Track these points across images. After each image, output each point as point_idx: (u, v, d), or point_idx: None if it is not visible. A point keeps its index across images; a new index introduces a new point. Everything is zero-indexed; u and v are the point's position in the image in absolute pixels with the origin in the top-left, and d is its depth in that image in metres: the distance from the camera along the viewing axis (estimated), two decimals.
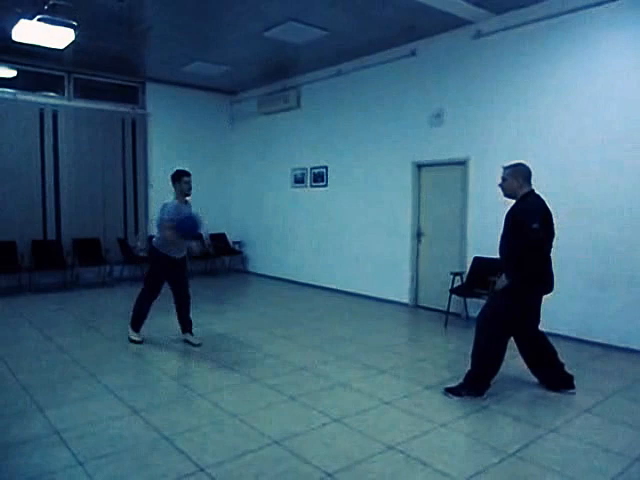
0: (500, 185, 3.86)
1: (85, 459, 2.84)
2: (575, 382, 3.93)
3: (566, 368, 3.95)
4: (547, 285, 3.74)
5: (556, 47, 5.46)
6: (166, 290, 5.17)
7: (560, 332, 5.38)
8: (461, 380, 3.84)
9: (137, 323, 5.17)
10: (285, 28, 6.32)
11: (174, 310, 5.27)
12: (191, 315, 5.27)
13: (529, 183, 3.76)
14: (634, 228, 4.92)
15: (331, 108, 8.23)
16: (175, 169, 5.00)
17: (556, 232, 3.78)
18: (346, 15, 5.93)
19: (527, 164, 3.83)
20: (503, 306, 3.69)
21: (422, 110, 6.81)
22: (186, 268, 5.26)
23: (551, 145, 5.53)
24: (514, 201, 3.78)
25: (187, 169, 4.98)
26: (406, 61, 6.99)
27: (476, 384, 3.77)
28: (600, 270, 5.16)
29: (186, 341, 5.18)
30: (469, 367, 3.82)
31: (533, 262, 3.58)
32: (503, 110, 5.94)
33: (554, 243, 3.74)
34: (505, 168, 3.85)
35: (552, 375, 3.94)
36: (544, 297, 3.83)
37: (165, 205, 4.87)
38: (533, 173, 5.58)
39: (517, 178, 3.74)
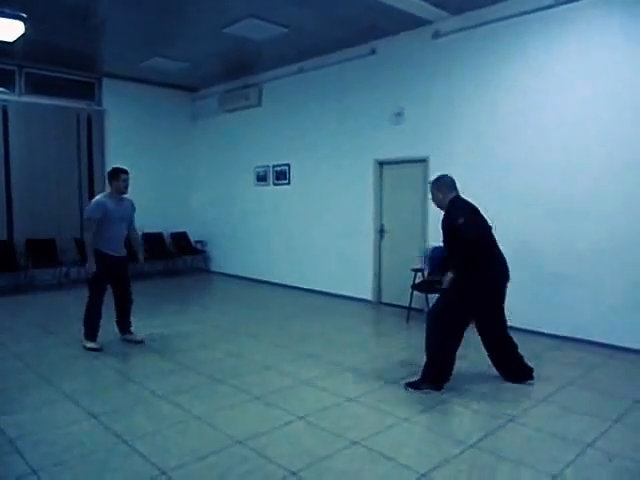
0: (432, 200, 4.11)
1: (40, 467, 2.74)
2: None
3: (525, 360, 4.08)
4: (495, 275, 3.86)
5: (514, 46, 5.60)
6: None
7: (516, 325, 5.55)
8: (419, 375, 3.92)
9: (91, 333, 4.90)
10: (245, 24, 6.25)
11: (132, 312, 5.15)
12: (132, 318, 5.19)
13: (452, 190, 3.97)
14: (592, 227, 5.08)
15: (293, 106, 8.21)
16: (112, 167, 5.07)
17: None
18: (307, 12, 5.92)
19: (448, 174, 4.07)
20: (450, 302, 3.83)
21: (383, 108, 6.87)
22: (127, 269, 5.14)
23: (511, 143, 5.67)
24: None
25: (125, 167, 4.98)
26: (367, 59, 7.04)
27: (433, 378, 3.85)
28: (557, 265, 5.34)
29: (128, 341, 5.09)
30: (424, 362, 3.91)
31: (468, 255, 3.72)
32: (463, 109, 6.06)
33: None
34: (430, 184, 4.10)
35: (513, 368, 4.06)
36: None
37: (90, 202, 4.85)
38: (492, 170, 5.77)
39: (441, 189, 3.98)
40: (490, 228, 3.94)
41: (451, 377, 3.89)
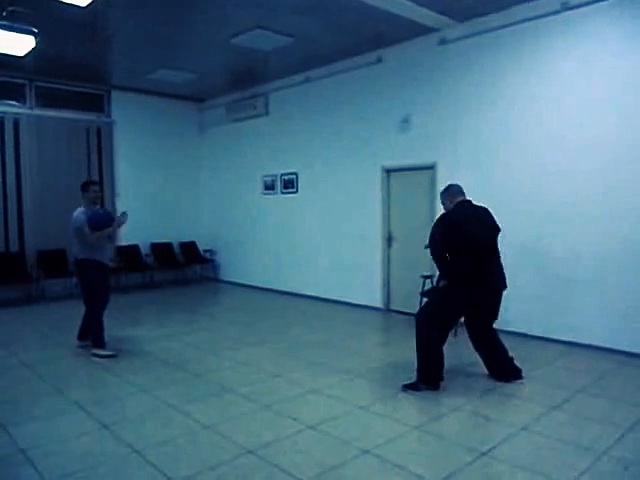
0: (444, 208, 4.28)
1: (52, 478, 2.75)
2: (542, 378, 4.09)
3: (515, 361, 4.21)
4: (482, 283, 3.96)
5: (520, 52, 5.60)
6: (125, 302, 5.07)
7: (528, 332, 5.52)
8: (414, 378, 4.02)
9: (102, 340, 5.02)
10: (252, 35, 6.31)
11: (142, 322, 5.17)
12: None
13: (460, 196, 4.13)
14: (600, 231, 5.04)
15: (300, 115, 8.25)
16: (84, 180, 5.54)
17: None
18: (312, 22, 5.97)
19: (456, 183, 4.26)
20: (439, 303, 4.02)
21: (390, 116, 6.89)
22: (109, 279, 5.37)
23: (518, 148, 5.66)
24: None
25: (94, 179, 5.23)
26: (373, 68, 7.07)
27: (428, 378, 3.96)
28: (566, 271, 5.30)
29: (83, 347, 5.18)
30: (416, 364, 4.03)
31: (459, 262, 3.89)
32: (469, 115, 6.06)
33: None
34: (441, 194, 4.30)
35: (503, 368, 4.18)
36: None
37: (75, 215, 5.01)
38: (499, 175, 5.79)
39: (448, 198, 4.17)
40: (489, 237, 4.02)
41: (444, 376, 4.02)
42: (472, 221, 3.95)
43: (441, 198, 4.26)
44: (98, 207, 5.25)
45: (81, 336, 5.26)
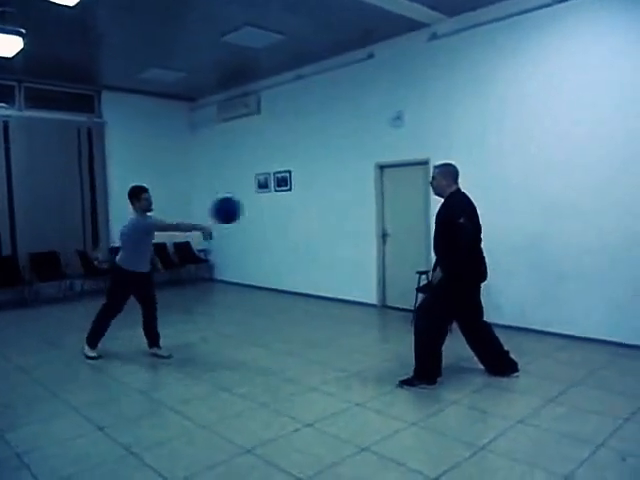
0: (430, 183, 4.14)
1: None
2: (539, 371, 4.09)
3: (511, 355, 4.18)
4: (479, 275, 3.99)
5: (511, 46, 5.60)
6: (128, 303, 5.03)
7: (525, 325, 5.53)
8: (411, 373, 4.00)
9: (95, 339, 4.96)
10: (242, 33, 6.27)
11: (139, 323, 5.15)
12: (158, 328, 5.17)
13: (456, 182, 4.01)
14: (595, 226, 5.05)
15: (292, 112, 8.22)
16: (131, 185, 4.90)
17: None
18: (302, 19, 5.94)
19: (455, 164, 4.06)
20: (438, 297, 3.93)
21: (382, 112, 6.87)
22: (153, 282, 5.19)
23: (511, 143, 5.66)
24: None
25: (144, 184, 4.90)
26: (364, 64, 7.05)
27: (425, 373, 3.94)
28: (561, 264, 5.31)
29: (155, 355, 5.05)
30: (414, 359, 4.00)
31: (462, 254, 3.79)
32: (462, 109, 6.06)
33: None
34: (435, 167, 4.11)
35: (498, 361, 4.15)
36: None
37: (130, 220, 4.83)
38: (493, 171, 5.77)
39: (445, 177, 3.98)
40: (480, 228, 4.00)
41: (442, 371, 4.00)
42: (476, 214, 3.94)
43: (435, 173, 4.02)
44: (150, 215, 4.88)
45: (151, 342, 5.11)
